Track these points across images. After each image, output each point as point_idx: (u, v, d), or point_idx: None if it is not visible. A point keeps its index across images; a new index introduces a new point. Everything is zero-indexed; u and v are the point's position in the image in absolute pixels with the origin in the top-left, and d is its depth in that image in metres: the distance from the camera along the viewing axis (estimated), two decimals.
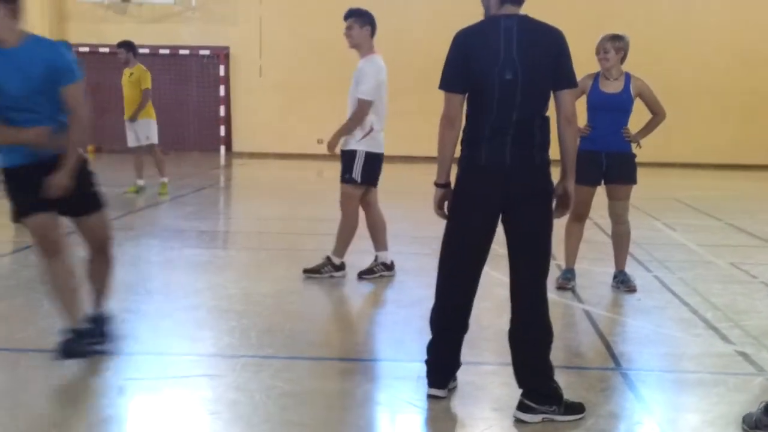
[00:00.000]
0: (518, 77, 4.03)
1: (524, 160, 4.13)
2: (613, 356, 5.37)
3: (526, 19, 4.13)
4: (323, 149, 7.89)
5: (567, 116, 4.16)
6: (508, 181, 4.11)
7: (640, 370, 5.17)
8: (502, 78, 4.04)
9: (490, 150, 4.13)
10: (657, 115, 7.06)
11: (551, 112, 4.15)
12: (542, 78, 4.09)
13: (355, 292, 7.07)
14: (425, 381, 4.46)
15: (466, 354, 4.57)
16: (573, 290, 6.95)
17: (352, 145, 7.05)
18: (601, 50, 6.88)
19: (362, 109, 6.97)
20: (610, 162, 6.93)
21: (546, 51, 4.08)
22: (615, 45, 6.85)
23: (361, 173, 7.06)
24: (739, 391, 4.75)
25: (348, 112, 7.11)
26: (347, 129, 7.05)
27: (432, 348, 4.43)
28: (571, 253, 7.11)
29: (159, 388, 4.65)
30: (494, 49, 4.06)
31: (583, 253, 7.30)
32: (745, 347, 5.57)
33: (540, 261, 4.22)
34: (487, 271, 4.42)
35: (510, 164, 4.11)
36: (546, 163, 4.18)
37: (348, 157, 7.09)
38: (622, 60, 6.92)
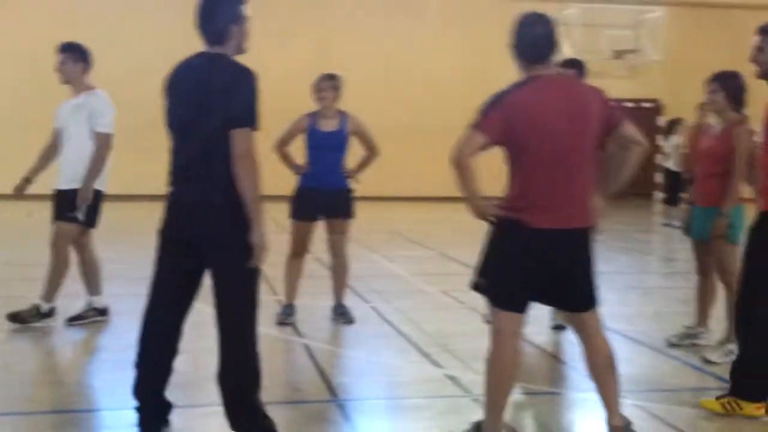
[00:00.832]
0: (200, 118, 3.97)
1: (205, 200, 4.02)
2: (331, 388, 5.46)
3: (214, 57, 4.05)
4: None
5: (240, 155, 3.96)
6: (192, 221, 4.05)
7: (356, 399, 5.30)
8: (184, 118, 4.02)
9: (176, 189, 4.10)
10: (371, 151, 7.32)
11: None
12: (224, 117, 3.93)
13: (66, 339, 6.72)
14: (138, 429, 4.31)
15: (180, 396, 4.47)
16: (293, 325, 7.01)
17: (76, 183, 6.71)
18: (317, 90, 7.04)
19: (107, 142, 6.69)
20: (328, 198, 7.08)
21: (229, 90, 3.95)
22: (330, 84, 7.04)
23: (87, 212, 6.75)
24: (449, 413, 4.97)
25: (56, 149, 6.80)
26: (97, 168, 6.69)
27: (135, 392, 4.29)
28: (291, 289, 7.18)
29: None
30: (181, 90, 4.03)
31: (304, 287, 7.40)
32: (454, 371, 5.86)
33: (241, 308, 4.13)
34: (203, 308, 4.36)
35: (192, 203, 4.05)
36: (232, 203, 3.97)
37: (71, 194, 6.74)
38: (337, 98, 7.12)
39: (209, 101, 3.95)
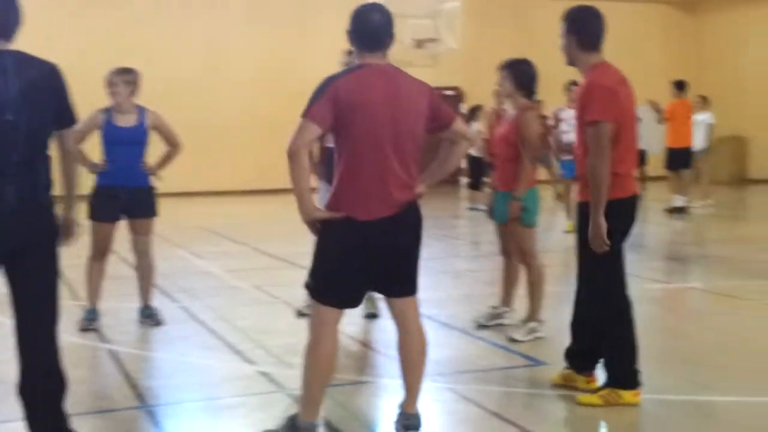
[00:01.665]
0: (20, 118, 3.74)
1: (26, 201, 3.83)
2: (139, 394, 5.25)
3: (22, 55, 3.82)
4: None
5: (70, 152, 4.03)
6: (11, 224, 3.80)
7: (166, 404, 5.11)
8: (3, 119, 3.74)
9: None
10: (174, 147, 7.09)
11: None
12: (44, 117, 3.81)
13: None
14: None
15: None
16: (97, 330, 6.71)
17: None
18: (109, 84, 6.75)
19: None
20: (129, 196, 6.81)
21: (45, 88, 3.81)
22: (124, 78, 6.77)
23: None
24: (263, 410, 4.88)
25: None
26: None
27: None
28: (94, 292, 6.86)
29: None
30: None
31: (108, 290, 7.10)
32: (267, 367, 5.78)
33: (48, 309, 3.94)
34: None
35: (13, 207, 3.81)
36: (51, 203, 3.92)
37: None
38: (134, 93, 6.84)
39: (35, 100, 3.75)
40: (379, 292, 4.29)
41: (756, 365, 5.77)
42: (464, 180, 18.87)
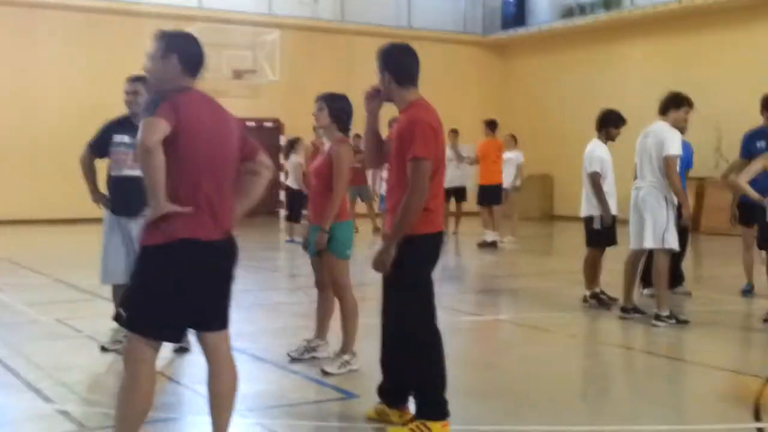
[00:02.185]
0: None
1: None
2: None
3: None
4: None
5: None
6: None
7: None
8: None
9: None
10: None
11: None
12: None
13: None
14: None
15: None
16: None
17: None
18: None
19: None
20: None
21: None
22: None
23: None
24: None
25: None
26: None
27: None
28: None
29: None
30: None
31: None
32: (68, 405, 5.45)
33: None
34: None
35: None
36: None
37: None
38: None
39: None
40: (197, 325, 4.10)
41: (562, 394, 5.96)
42: (283, 212, 18.79)
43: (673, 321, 8.03)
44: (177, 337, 4.07)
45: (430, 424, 4.82)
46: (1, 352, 6.84)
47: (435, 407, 4.86)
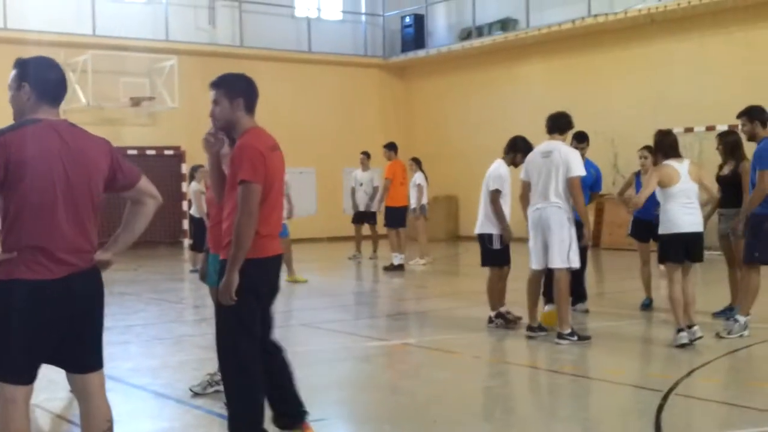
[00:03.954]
0: None
1: None
2: None
3: None
4: None
5: None
6: None
7: None
8: None
9: None
10: None
11: None
12: None
13: None
14: None
15: None
16: None
17: None
18: None
19: None
20: None
21: None
22: None
23: None
24: None
25: None
26: None
27: None
28: None
29: None
30: None
31: None
32: None
33: None
34: None
35: None
36: None
37: None
38: None
39: None
40: (57, 364, 3.96)
41: (468, 416, 5.96)
42: (187, 241, 18.47)
43: (575, 338, 8.15)
44: (22, 379, 3.80)
45: None
46: None
47: None
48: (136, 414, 5.91)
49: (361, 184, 17.67)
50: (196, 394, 6.36)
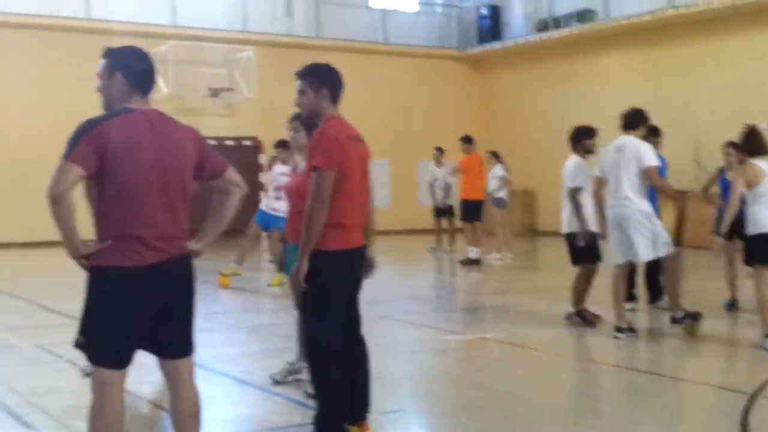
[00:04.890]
0: None
1: None
2: None
3: None
4: None
5: None
6: None
7: None
8: None
9: None
10: None
11: None
12: None
13: None
14: None
15: None
16: None
17: None
18: None
19: None
20: None
21: None
22: None
23: None
24: None
25: None
26: None
27: None
28: None
29: None
30: None
31: None
32: (47, 431, 5.35)
33: None
34: None
35: None
36: None
37: None
38: None
39: None
40: (149, 350, 4.05)
41: (547, 413, 5.91)
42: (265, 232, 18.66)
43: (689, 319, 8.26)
44: (116, 363, 3.90)
45: None
46: None
47: (327, 425, 4.89)
48: (218, 400, 6.00)
49: (436, 179, 17.68)
50: (276, 382, 6.43)
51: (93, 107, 3.95)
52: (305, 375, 6.42)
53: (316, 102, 4.95)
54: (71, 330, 8.91)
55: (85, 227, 3.86)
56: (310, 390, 6.04)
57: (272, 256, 15.69)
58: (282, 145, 11.92)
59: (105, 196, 3.83)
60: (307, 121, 5.18)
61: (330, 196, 4.70)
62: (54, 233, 3.76)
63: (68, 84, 19.16)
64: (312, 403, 5.86)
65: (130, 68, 3.97)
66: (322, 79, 4.98)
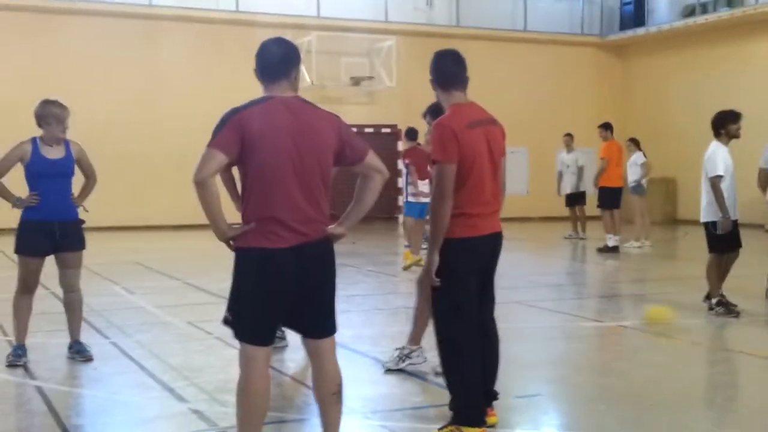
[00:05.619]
0: None
1: None
2: (66, 431, 5.12)
3: None
4: None
5: None
6: None
7: None
8: None
9: None
10: (90, 178, 7.00)
11: None
12: None
13: None
14: None
15: None
16: (25, 366, 6.55)
17: None
18: (43, 116, 6.65)
19: None
20: (58, 230, 6.66)
21: None
22: (57, 111, 6.65)
23: None
24: None
25: None
26: None
27: None
28: (22, 328, 6.70)
29: None
30: None
31: (37, 325, 6.93)
32: (200, 404, 5.68)
33: None
34: None
35: None
36: None
37: None
38: (65, 126, 6.73)
39: None
40: (293, 329, 4.24)
41: (685, 402, 5.85)
42: (401, 217, 18.92)
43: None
44: (260, 340, 4.07)
45: (464, 429, 4.83)
46: (137, 352, 7.17)
47: (467, 413, 4.86)
48: (358, 379, 6.19)
49: (568, 166, 17.52)
50: (389, 371, 6.48)
51: (241, 96, 4.16)
52: (416, 359, 6.49)
53: (436, 92, 5.03)
54: (220, 308, 9.38)
55: (230, 211, 4.10)
56: (439, 369, 6.20)
57: (408, 241, 15.96)
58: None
59: (247, 180, 4.02)
60: (432, 111, 5.23)
61: (455, 188, 4.73)
62: (202, 217, 4.01)
63: (219, 74, 19.94)
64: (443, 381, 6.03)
65: (257, 62, 4.15)
66: (431, 70, 5.04)
